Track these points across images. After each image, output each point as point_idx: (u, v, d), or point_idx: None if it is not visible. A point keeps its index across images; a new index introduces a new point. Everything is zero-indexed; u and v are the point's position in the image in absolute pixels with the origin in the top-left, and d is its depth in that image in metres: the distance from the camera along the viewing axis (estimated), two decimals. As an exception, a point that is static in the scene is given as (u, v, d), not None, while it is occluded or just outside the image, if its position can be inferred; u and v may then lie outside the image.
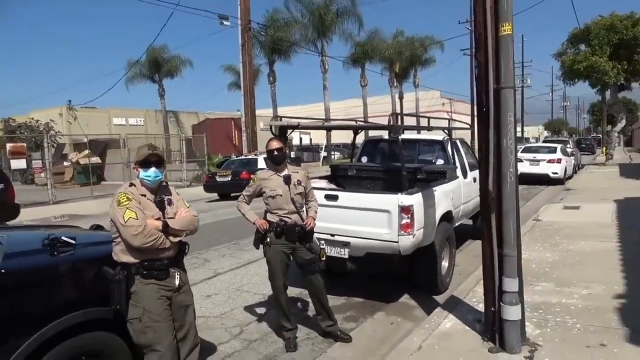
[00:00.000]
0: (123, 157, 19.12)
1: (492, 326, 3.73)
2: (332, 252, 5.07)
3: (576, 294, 4.82)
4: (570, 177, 18.35)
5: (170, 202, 3.07)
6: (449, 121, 7.30)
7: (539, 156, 17.46)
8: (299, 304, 5.26)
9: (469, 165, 6.96)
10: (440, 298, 5.19)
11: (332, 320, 4.31)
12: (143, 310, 2.88)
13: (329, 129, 23.41)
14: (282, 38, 29.80)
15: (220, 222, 11.04)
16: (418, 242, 4.86)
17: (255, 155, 18.05)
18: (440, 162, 6.72)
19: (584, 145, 41.82)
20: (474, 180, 6.53)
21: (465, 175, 6.65)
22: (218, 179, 16.25)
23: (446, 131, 6.89)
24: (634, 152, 39.30)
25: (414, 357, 3.61)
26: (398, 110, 40.14)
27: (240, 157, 18.89)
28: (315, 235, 4.35)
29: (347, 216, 5.00)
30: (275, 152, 4.17)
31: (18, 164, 16.23)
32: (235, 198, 4.68)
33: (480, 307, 4.23)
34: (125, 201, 2.83)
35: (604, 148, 27.87)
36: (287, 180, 4.10)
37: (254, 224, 4.16)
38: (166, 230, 2.90)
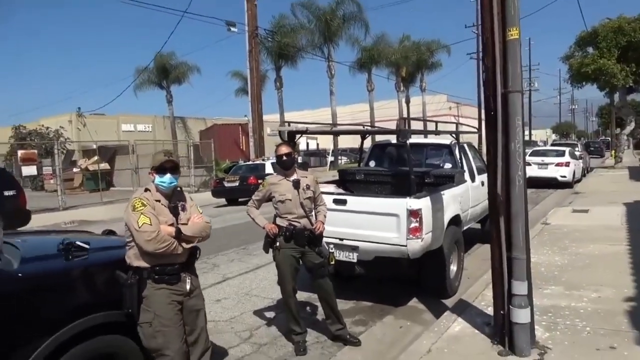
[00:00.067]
0: (132, 163, 19.27)
1: (501, 329, 3.73)
2: (340, 256, 5.09)
3: (586, 297, 4.80)
4: (578, 181, 18.24)
5: (183, 208, 3.12)
6: (456, 125, 7.32)
7: (547, 160, 17.38)
8: (308, 308, 5.29)
9: (477, 169, 6.97)
10: (449, 302, 5.20)
11: (341, 324, 4.33)
12: (154, 315, 2.93)
13: (336, 134, 23.47)
14: (288, 44, 29.98)
15: (228, 227, 11.10)
16: (427, 245, 4.88)
17: (263, 160, 18.13)
18: (448, 166, 6.73)
19: (592, 149, 41.54)
20: (482, 184, 6.53)
21: (473, 179, 6.65)
22: (226, 184, 16.35)
23: (454, 135, 6.91)
24: (643, 155, 38.96)
25: (423, 360, 3.63)
26: (405, 115, 40.15)
27: (247, 163, 18.98)
28: (324, 239, 4.39)
29: (356, 220, 5.03)
30: (284, 157, 4.21)
31: (29, 170, 16.42)
32: (243, 203, 4.73)
33: (490, 310, 4.23)
34: (140, 206, 2.88)
35: (613, 151, 27.67)
36: (296, 184, 4.14)
37: (263, 228, 4.20)
38: (179, 236, 2.95)
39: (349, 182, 6.98)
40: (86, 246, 3.04)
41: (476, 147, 8.49)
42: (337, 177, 7.38)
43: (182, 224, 3.04)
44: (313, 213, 4.27)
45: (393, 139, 7.03)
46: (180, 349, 3.00)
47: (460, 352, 3.72)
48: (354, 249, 5.10)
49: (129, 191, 18.99)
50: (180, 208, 3.09)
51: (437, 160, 6.93)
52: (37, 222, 11.13)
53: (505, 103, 3.58)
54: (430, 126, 7.61)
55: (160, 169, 3.02)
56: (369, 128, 8.46)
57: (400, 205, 4.75)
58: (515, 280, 3.59)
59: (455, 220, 5.71)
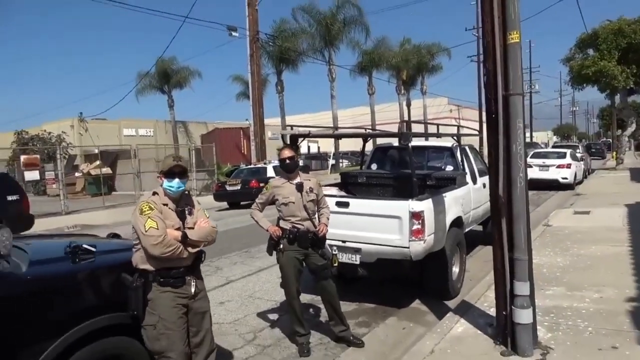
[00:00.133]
0: (134, 168, 19.33)
1: (504, 330, 3.76)
2: (343, 258, 5.12)
3: (587, 297, 4.83)
4: (580, 182, 18.24)
5: (190, 212, 3.14)
6: (457, 128, 7.36)
7: (548, 161, 17.40)
8: (311, 310, 5.32)
9: (478, 171, 7.00)
10: (452, 303, 5.22)
11: (344, 326, 4.36)
12: (158, 318, 2.96)
13: (339, 137, 23.54)
14: (289, 48, 30.06)
15: (230, 231, 11.14)
16: (429, 247, 4.91)
17: (265, 164, 18.17)
18: (449, 168, 6.77)
19: (593, 150, 41.54)
20: (484, 186, 6.57)
21: (474, 181, 6.69)
22: (228, 187, 16.39)
23: (455, 137, 6.95)
24: (644, 157, 38.94)
25: (426, 361, 3.65)
26: (405, 118, 40.21)
27: (249, 166, 19.02)
28: (327, 241, 4.42)
29: (358, 223, 5.07)
30: (287, 161, 4.25)
31: (31, 175, 16.48)
32: (245, 207, 4.78)
33: (492, 311, 4.25)
34: (148, 210, 2.92)
35: (614, 152, 27.67)
36: (300, 187, 4.18)
37: (267, 230, 4.24)
38: (185, 240, 2.98)
39: (351, 185, 7.02)
40: (93, 249, 3.08)
41: (477, 149, 8.52)
42: (339, 180, 7.42)
43: (189, 227, 3.06)
44: (316, 215, 4.30)
45: (394, 142, 7.09)
46: (183, 352, 3.03)
47: (463, 352, 3.74)
48: (356, 251, 5.13)
49: (131, 195, 19.08)
50: (187, 212, 3.12)
51: (439, 162, 6.97)
52: (40, 226, 11.18)
53: (507, 106, 3.61)
54: (432, 129, 7.66)
55: (168, 174, 3.04)
56: (371, 131, 8.51)
57: (403, 207, 4.79)
58: (517, 280, 3.62)
59: (457, 222, 5.74)
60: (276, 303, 5.59)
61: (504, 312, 3.76)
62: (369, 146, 8.27)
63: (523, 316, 3.58)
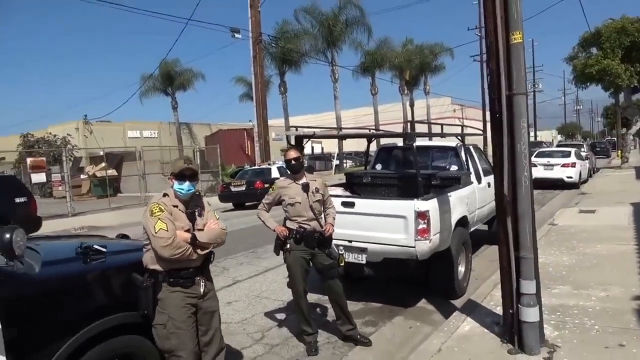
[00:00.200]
0: (139, 169, 19.42)
1: (510, 328, 3.78)
2: (349, 258, 5.15)
3: (594, 296, 4.84)
4: (585, 181, 18.20)
5: (200, 214, 3.18)
6: (461, 127, 7.38)
7: (552, 160, 17.37)
8: (318, 309, 5.35)
9: (483, 170, 7.02)
10: (458, 302, 5.24)
11: (351, 325, 4.39)
12: (168, 317, 3.00)
13: (343, 138, 23.56)
14: (292, 49, 30.14)
15: (236, 232, 11.18)
16: (434, 247, 4.93)
17: (269, 164, 18.22)
18: (454, 168, 6.79)
19: (598, 149, 41.33)
20: (488, 185, 6.59)
21: (479, 180, 6.70)
22: (232, 188, 16.44)
23: (459, 137, 6.96)
24: (650, 155, 38.77)
25: None
26: (409, 118, 40.22)
27: (254, 167, 19.08)
28: (334, 241, 4.45)
29: (364, 222, 5.10)
30: (293, 162, 4.29)
31: (38, 177, 16.59)
32: (250, 207, 4.82)
33: (498, 310, 4.28)
34: (158, 212, 2.96)
35: (619, 151, 27.55)
36: (306, 188, 4.21)
37: (274, 231, 4.28)
38: (194, 242, 3.01)
39: (356, 185, 7.05)
40: (103, 250, 3.12)
41: (481, 148, 8.54)
42: (343, 180, 7.45)
43: (199, 229, 3.10)
44: (322, 215, 4.34)
45: (398, 142, 7.12)
46: (193, 350, 3.07)
47: (470, 351, 3.77)
48: (362, 250, 5.16)
49: (137, 197, 19.18)
50: (197, 213, 3.15)
51: (443, 162, 6.99)
52: (47, 228, 11.27)
53: (510, 105, 3.64)
54: (436, 129, 7.67)
55: (179, 176, 3.07)
56: (375, 131, 8.55)
57: (408, 207, 4.81)
58: (523, 279, 3.64)
59: (463, 222, 5.76)
60: (283, 303, 5.63)
61: (510, 311, 3.78)
62: (373, 146, 8.29)
63: (530, 314, 3.60)
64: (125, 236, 4.23)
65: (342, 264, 4.41)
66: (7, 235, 2.35)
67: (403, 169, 6.99)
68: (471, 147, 7.20)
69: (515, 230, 3.70)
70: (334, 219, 4.36)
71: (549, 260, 6.31)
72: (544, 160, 17.46)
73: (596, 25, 22.64)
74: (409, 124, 5.23)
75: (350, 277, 5.80)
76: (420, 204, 4.78)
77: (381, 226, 4.99)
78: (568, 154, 17.79)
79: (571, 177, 16.88)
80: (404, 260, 5.03)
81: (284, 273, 4.34)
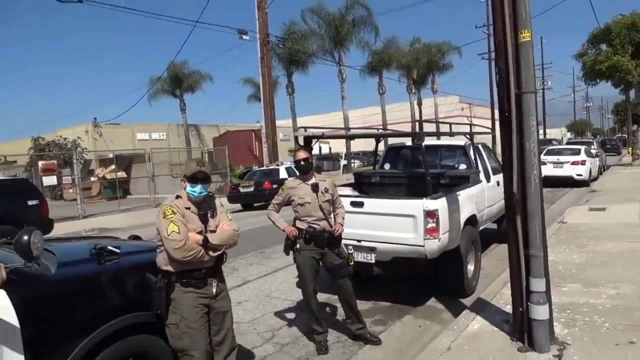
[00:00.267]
0: (148, 171, 19.57)
1: (520, 326, 3.78)
2: (359, 257, 5.18)
3: (604, 294, 4.82)
4: (595, 179, 18.07)
5: (213, 215, 3.21)
6: (470, 126, 7.37)
7: (562, 158, 17.26)
8: (327, 308, 5.38)
9: (492, 169, 7.01)
10: (467, 301, 5.25)
11: (361, 324, 4.42)
12: (181, 317, 3.05)
13: (352, 138, 23.59)
14: (299, 50, 30.20)
15: (245, 232, 11.16)
16: (444, 245, 4.94)
17: (277, 165, 18.27)
18: (462, 166, 6.79)
19: (609, 146, 40.96)
20: (497, 184, 6.58)
21: (488, 179, 6.70)
22: (241, 189, 16.50)
23: (468, 136, 6.96)
24: (661, 152, 38.28)
25: (443, 358, 3.69)
26: (417, 117, 40.13)
27: (262, 168, 19.15)
28: (343, 241, 4.48)
29: (373, 222, 5.12)
30: (302, 162, 4.32)
31: (49, 180, 16.77)
32: (259, 208, 4.86)
33: (508, 308, 4.28)
34: (170, 214, 3.00)
35: (630, 148, 27.30)
36: (315, 188, 4.24)
37: (283, 231, 4.31)
38: (206, 245, 3.05)
39: (365, 185, 7.07)
40: (117, 251, 3.18)
41: (490, 147, 8.52)
42: (352, 180, 7.48)
43: (211, 231, 3.14)
44: (332, 215, 4.37)
45: (406, 141, 7.13)
46: (205, 350, 3.11)
47: (480, 349, 3.78)
48: (371, 250, 5.18)
49: (146, 199, 19.33)
50: (209, 215, 3.19)
51: (452, 161, 6.99)
52: (58, 230, 11.40)
53: (519, 104, 3.64)
54: (444, 128, 7.67)
55: (192, 179, 3.11)
56: (385, 131, 8.56)
57: (417, 206, 4.83)
58: (533, 277, 3.65)
59: (472, 220, 5.76)
60: (293, 302, 5.67)
61: (520, 309, 3.79)
62: (381, 146, 8.30)
63: (539, 312, 3.61)
64: (137, 237, 4.30)
65: (352, 264, 4.43)
66: (26, 237, 2.41)
67: (412, 169, 7.00)
68: (480, 146, 7.20)
69: (524, 228, 3.71)
70: (343, 218, 4.39)
71: (558, 259, 6.29)
72: (554, 158, 17.36)
73: (606, 21, 22.49)
74: (417, 123, 5.23)
75: (360, 277, 5.82)
76: (429, 203, 4.79)
77: (390, 225, 5.01)
78: (578, 152, 17.67)
79: (581, 175, 16.77)
80: (413, 259, 5.05)
81: (293, 273, 4.38)
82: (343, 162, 33.90)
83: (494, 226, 7.73)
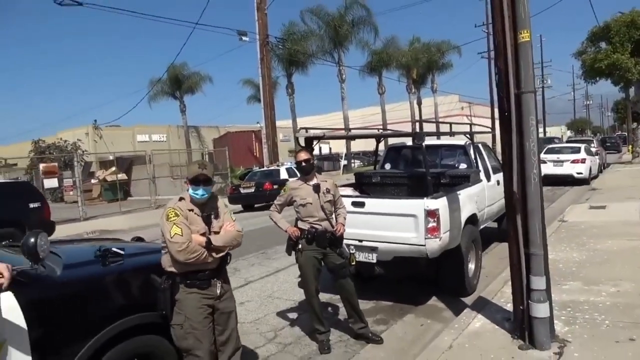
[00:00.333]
0: (149, 173, 19.61)
1: (521, 324, 3.81)
2: (360, 257, 5.21)
3: (604, 291, 4.85)
4: (595, 177, 18.09)
5: (216, 216, 3.24)
6: (470, 126, 7.40)
7: (562, 157, 17.28)
8: (329, 308, 5.41)
9: (492, 168, 7.04)
10: (469, 300, 5.28)
11: (363, 323, 4.45)
12: (185, 318, 3.08)
13: (353, 138, 23.61)
14: (299, 50, 30.24)
15: (246, 233, 11.01)
16: (444, 245, 4.97)
17: (278, 166, 18.30)
18: (463, 166, 6.82)
19: (609, 144, 40.97)
20: (498, 183, 6.61)
21: (488, 178, 6.73)
22: (242, 190, 16.53)
23: (468, 135, 6.99)
24: (661, 149, 38.28)
25: (445, 356, 3.72)
26: (417, 116, 40.16)
27: (262, 169, 19.18)
28: (345, 241, 4.51)
29: (374, 222, 5.15)
30: (304, 163, 4.35)
31: (50, 183, 16.81)
32: (259, 209, 4.88)
33: (509, 306, 4.30)
34: (173, 217, 3.03)
35: (630, 146, 27.30)
36: (317, 188, 4.28)
37: (286, 231, 4.34)
38: (209, 246, 3.07)
39: (366, 185, 7.10)
40: (121, 252, 3.21)
41: (490, 146, 8.55)
42: (352, 180, 7.51)
43: (215, 232, 3.16)
44: (333, 216, 4.40)
45: (406, 141, 7.16)
46: (209, 350, 3.15)
47: (481, 347, 3.81)
48: (373, 249, 5.21)
49: (147, 200, 19.37)
50: (212, 216, 3.22)
51: (452, 160, 7.02)
52: (60, 232, 11.44)
53: (519, 103, 3.67)
54: (444, 127, 7.70)
55: (194, 181, 3.14)
56: (385, 131, 8.59)
57: (418, 205, 4.86)
58: (533, 275, 3.67)
59: (472, 220, 5.79)
60: (295, 302, 5.70)
61: (521, 307, 3.81)
62: (382, 146, 8.33)
63: (540, 310, 3.64)
64: (140, 239, 4.33)
65: (353, 263, 4.47)
66: (32, 240, 2.44)
67: (412, 168, 7.03)
68: (480, 145, 7.23)
69: (525, 227, 3.74)
70: (344, 218, 4.42)
71: (559, 257, 6.32)
72: (554, 156, 17.37)
73: (605, 19, 22.50)
74: (417, 123, 5.27)
75: (361, 276, 5.86)
76: (430, 203, 4.82)
77: (391, 225, 5.04)
78: (578, 150, 17.70)
79: (581, 173, 16.79)
80: (415, 258, 5.08)
81: (295, 273, 4.41)
82: (343, 162, 33.94)
83: (495, 225, 7.76)
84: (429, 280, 5.75)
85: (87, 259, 3.22)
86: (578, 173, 16.78)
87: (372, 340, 4.41)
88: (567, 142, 28.21)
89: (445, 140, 7.66)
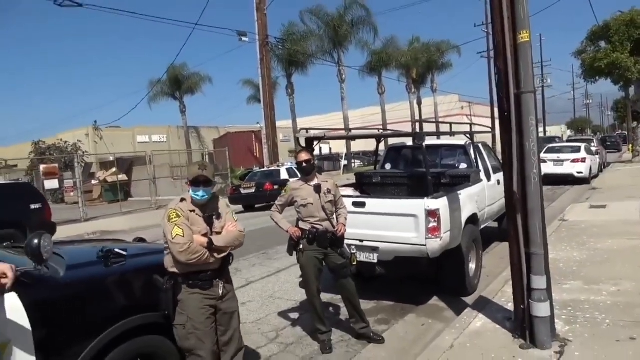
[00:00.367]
0: (149, 174, 19.64)
1: (522, 323, 3.82)
2: (361, 257, 5.22)
3: (605, 291, 4.86)
4: (595, 176, 18.09)
5: (218, 216, 3.25)
6: (470, 125, 7.42)
7: (562, 156, 17.29)
8: (331, 308, 5.42)
9: (492, 168, 7.05)
10: (470, 299, 5.29)
11: (364, 323, 4.46)
12: (187, 318, 3.10)
13: (353, 139, 23.64)
14: (298, 51, 30.27)
15: (247, 233, 11.08)
16: (445, 244, 4.99)
17: (278, 166, 18.32)
18: (463, 166, 6.83)
19: (609, 143, 40.94)
20: (498, 182, 6.62)
21: (488, 178, 6.74)
22: (242, 191, 16.55)
23: (468, 135, 7.00)
24: (661, 148, 38.28)
25: (446, 355, 3.73)
26: (416, 116, 40.17)
27: (263, 169, 19.20)
28: (346, 241, 4.52)
29: (375, 222, 5.16)
30: (305, 164, 4.37)
31: (51, 184, 16.84)
32: (260, 209, 4.89)
33: (510, 306, 4.32)
34: (175, 218, 3.04)
35: (630, 145, 27.33)
36: (318, 189, 4.29)
37: (287, 232, 4.36)
38: (211, 247, 3.08)
39: (366, 185, 7.11)
40: (124, 253, 3.23)
41: (490, 145, 8.57)
42: (352, 181, 7.52)
43: (217, 232, 3.18)
44: (334, 216, 4.42)
45: (406, 141, 7.17)
46: (211, 350, 3.16)
47: (482, 346, 3.82)
48: (374, 249, 5.23)
49: (147, 201, 19.39)
50: (214, 217, 3.23)
51: (453, 160, 7.03)
52: (61, 233, 11.44)
53: (519, 103, 3.69)
54: (444, 127, 7.70)
55: (194, 182, 3.15)
56: (386, 131, 8.60)
57: (419, 205, 4.88)
58: (534, 274, 3.69)
59: (473, 219, 5.81)
60: (296, 302, 5.72)
61: (521, 306, 3.83)
62: (382, 146, 8.35)
63: (541, 309, 3.65)
64: (142, 240, 4.34)
65: (355, 263, 4.49)
66: (36, 241, 2.45)
67: (412, 168, 7.04)
68: (480, 145, 7.24)
69: (525, 226, 3.75)
70: (345, 219, 4.43)
71: (559, 256, 6.33)
72: (554, 156, 17.38)
73: (605, 18, 22.52)
74: (417, 123, 5.29)
75: (363, 276, 5.87)
76: (430, 203, 4.84)
77: (392, 225, 5.05)
78: (578, 149, 17.71)
79: (581, 173, 16.79)
80: (415, 258, 5.09)
81: (296, 274, 4.43)
82: (343, 162, 33.95)
83: (495, 225, 7.77)
84: (430, 280, 5.77)
85: (90, 260, 3.23)
86: (578, 172, 16.79)
87: (374, 340, 4.42)
88: (567, 141, 28.22)
89: (445, 140, 7.67)
